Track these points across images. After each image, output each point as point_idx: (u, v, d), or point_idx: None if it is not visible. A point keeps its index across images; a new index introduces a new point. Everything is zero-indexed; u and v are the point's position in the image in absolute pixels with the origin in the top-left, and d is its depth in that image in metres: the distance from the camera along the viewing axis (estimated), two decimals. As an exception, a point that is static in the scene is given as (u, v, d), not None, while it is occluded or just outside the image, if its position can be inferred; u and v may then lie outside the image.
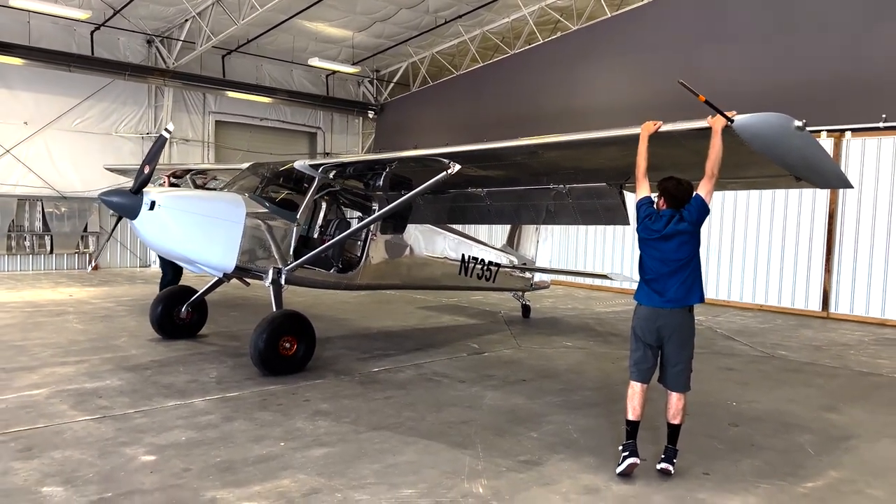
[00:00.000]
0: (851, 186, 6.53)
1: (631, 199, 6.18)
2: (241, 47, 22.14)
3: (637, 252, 5.61)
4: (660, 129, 5.56)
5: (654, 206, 5.36)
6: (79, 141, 19.59)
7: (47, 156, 19.10)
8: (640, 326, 5.39)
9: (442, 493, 4.85)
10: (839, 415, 7.25)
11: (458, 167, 7.81)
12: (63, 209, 19.15)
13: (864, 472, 5.56)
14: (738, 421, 6.88)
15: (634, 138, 5.69)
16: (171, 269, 11.67)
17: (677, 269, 5.24)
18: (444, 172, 7.86)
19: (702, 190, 5.22)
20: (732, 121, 5.05)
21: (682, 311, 5.30)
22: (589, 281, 18.51)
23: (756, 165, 6.10)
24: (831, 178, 6.18)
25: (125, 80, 19.95)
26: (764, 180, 7.19)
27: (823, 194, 14.52)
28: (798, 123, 4.99)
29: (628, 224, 8.67)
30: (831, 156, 14.32)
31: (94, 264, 11.54)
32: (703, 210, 5.21)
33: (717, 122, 5.16)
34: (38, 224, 18.88)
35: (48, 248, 19.03)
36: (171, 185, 11.72)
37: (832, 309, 14.51)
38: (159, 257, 12.00)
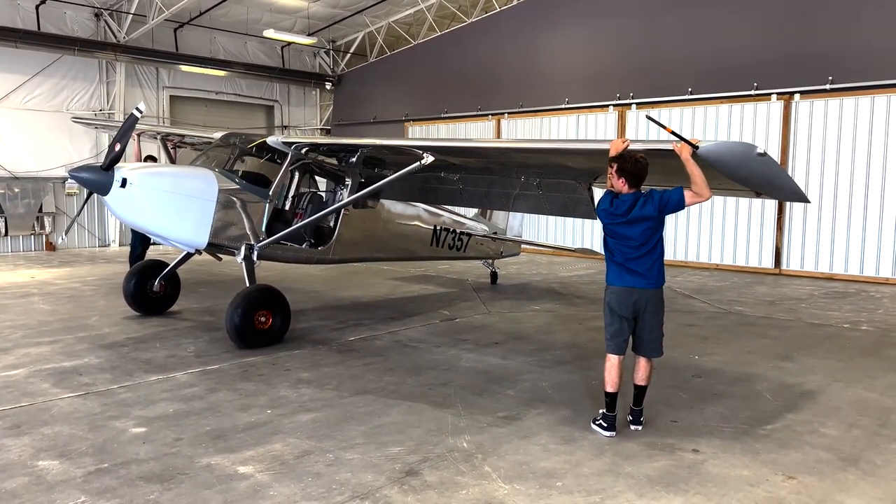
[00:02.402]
0: (808, 201, 6.85)
1: (598, 194, 6.38)
2: (193, 20, 21.62)
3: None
4: (628, 147, 5.54)
5: (613, 190, 5.42)
6: (29, 119, 18.98)
7: (-4, 135, 18.54)
8: (615, 301, 5.45)
9: (429, 448, 5.10)
10: (793, 363, 7.72)
11: (431, 158, 7.95)
12: (16, 190, 18.65)
13: (818, 414, 5.99)
14: (701, 372, 7.28)
15: (601, 152, 5.86)
16: (140, 244, 11.65)
17: (646, 252, 5.33)
18: (418, 163, 8.00)
19: (687, 193, 5.24)
20: (697, 147, 5.24)
21: (654, 290, 5.45)
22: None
23: (717, 179, 6.36)
24: (790, 194, 6.46)
25: (74, 56, 19.34)
26: (725, 191, 7.39)
27: (775, 155, 15.04)
28: (760, 150, 5.26)
29: (594, 218, 8.94)
30: (782, 124, 14.92)
31: (64, 238, 11.43)
32: (677, 205, 5.25)
33: (684, 150, 5.23)
34: (-9, 206, 18.39)
35: (2, 230, 18.56)
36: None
37: (784, 265, 15.15)
38: (131, 230, 11.94)
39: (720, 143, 5.38)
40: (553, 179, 8.77)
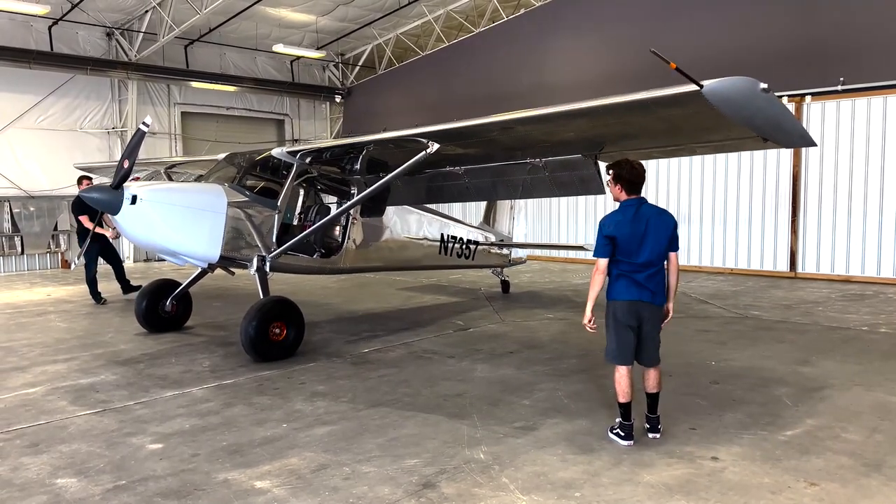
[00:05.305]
0: (815, 144, 6.77)
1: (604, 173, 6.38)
2: (203, 36, 21.88)
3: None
4: (630, 99, 5.65)
5: (613, 198, 5.49)
6: (43, 139, 19.27)
7: (12, 155, 18.76)
8: (619, 312, 5.39)
9: (445, 461, 5.07)
10: (812, 367, 7.62)
11: (436, 146, 7.90)
12: (32, 209, 18.88)
13: (839, 419, 5.90)
14: (718, 378, 7.21)
15: (602, 109, 5.98)
16: (94, 263, 12.54)
17: (653, 260, 5.30)
18: (423, 152, 7.94)
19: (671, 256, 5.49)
20: (702, 86, 5.23)
21: (657, 307, 5.42)
22: (563, 254, 18.87)
23: (723, 128, 6.32)
24: (795, 137, 6.42)
25: (87, 75, 19.64)
26: (731, 143, 7.34)
27: (787, 158, 14.97)
28: (763, 86, 5.23)
29: (603, 193, 8.84)
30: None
31: (78, 262, 11.55)
32: (675, 241, 5.48)
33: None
34: (7, 225, 18.59)
35: (19, 249, 18.78)
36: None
37: (799, 269, 15.02)
38: (85, 254, 12.18)
39: (724, 79, 5.25)
40: (558, 157, 8.58)
